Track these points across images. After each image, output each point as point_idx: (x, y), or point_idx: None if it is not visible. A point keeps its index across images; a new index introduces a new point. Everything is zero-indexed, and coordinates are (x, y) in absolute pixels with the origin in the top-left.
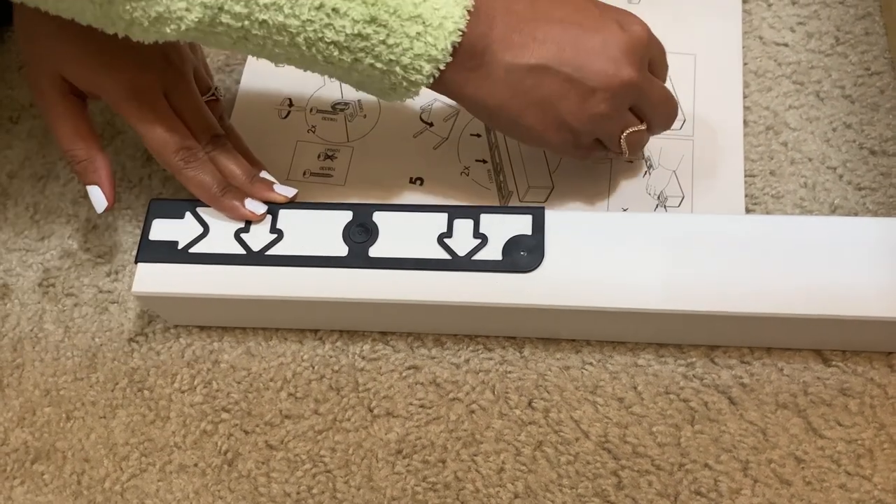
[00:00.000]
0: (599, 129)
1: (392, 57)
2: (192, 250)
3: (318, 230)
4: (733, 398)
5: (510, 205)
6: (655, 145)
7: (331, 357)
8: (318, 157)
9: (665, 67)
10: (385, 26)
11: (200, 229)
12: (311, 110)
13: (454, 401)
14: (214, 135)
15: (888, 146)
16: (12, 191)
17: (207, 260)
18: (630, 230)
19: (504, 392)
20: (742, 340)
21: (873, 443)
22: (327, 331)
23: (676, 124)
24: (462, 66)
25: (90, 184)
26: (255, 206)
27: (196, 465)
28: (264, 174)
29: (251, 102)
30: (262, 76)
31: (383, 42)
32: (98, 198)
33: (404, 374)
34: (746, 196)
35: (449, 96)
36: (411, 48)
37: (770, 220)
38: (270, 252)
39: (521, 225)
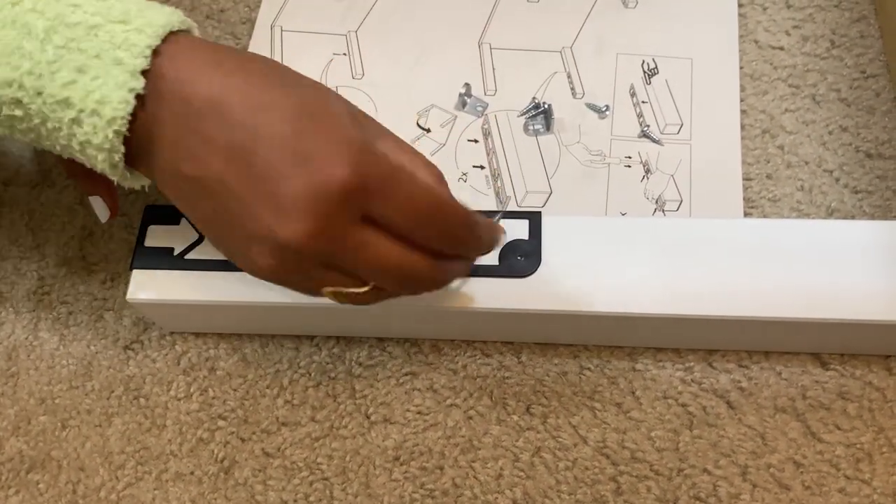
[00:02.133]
0: (280, 283)
1: (62, 141)
2: (187, 257)
3: None
4: (732, 402)
5: (506, 209)
6: (653, 150)
7: (327, 364)
8: None
9: (419, 223)
10: (35, 111)
11: (196, 235)
12: None
13: (452, 407)
14: None
15: (884, 149)
16: (7, 198)
17: (203, 266)
18: (628, 234)
19: (502, 398)
20: (740, 344)
21: (872, 446)
22: (324, 337)
23: (673, 129)
24: (136, 157)
25: (91, 194)
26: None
27: (192, 473)
28: None
29: None
30: None
31: (43, 125)
32: (101, 208)
33: (401, 381)
34: (744, 200)
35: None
36: (74, 134)
37: (768, 224)
38: None
39: (518, 229)
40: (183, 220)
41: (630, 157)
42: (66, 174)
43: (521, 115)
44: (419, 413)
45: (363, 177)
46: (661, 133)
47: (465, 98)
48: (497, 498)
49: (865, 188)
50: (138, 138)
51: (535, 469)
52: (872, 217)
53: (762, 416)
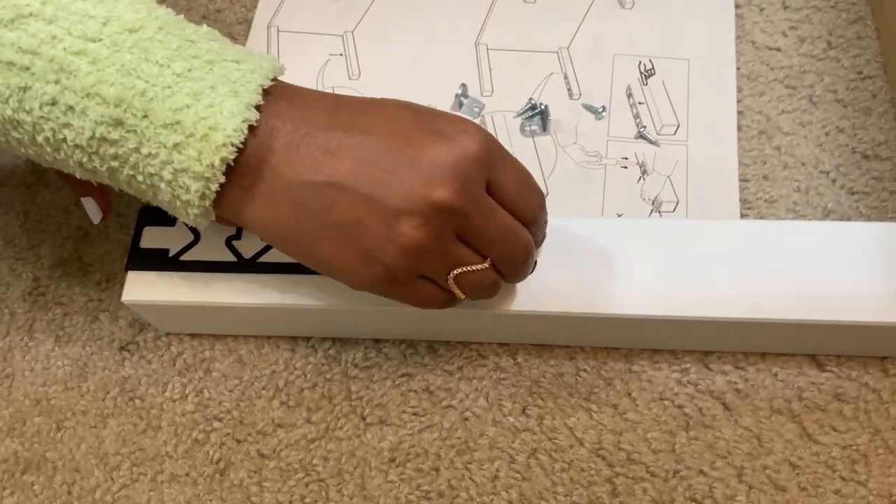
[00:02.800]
0: (417, 264)
1: (151, 170)
2: (183, 258)
3: None
4: (728, 404)
5: None
6: (650, 151)
7: (323, 365)
8: None
9: (521, 192)
10: (134, 132)
11: (191, 237)
12: None
13: (447, 408)
14: None
15: (881, 150)
16: (2, 199)
17: (199, 267)
18: (624, 236)
19: (498, 399)
20: (736, 346)
21: (868, 448)
22: (319, 338)
23: (670, 130)
24: (237, 185)
25: (84, 195)
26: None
27: (188, 474)
28: None
29: None
30: None
31: (137, 150)
32: (93, 209)
33: (397, 382)
34: (740, 200)
35: (233, 220)
36: (171, 161)
37: (764, 225)
38: (262, 259)
39: None
40: (178, 222)
41: (626, 158)
42: (58, 176)
43: (518, 115)
44: (415, 414)
45: (487, 148)
46: (658, 134)
47: (462, 99)
48: (493, 499)
49: (862, 189)
50: (242, 166)
51: (531, 471)
52: (869, 218)
53: (758, 418)
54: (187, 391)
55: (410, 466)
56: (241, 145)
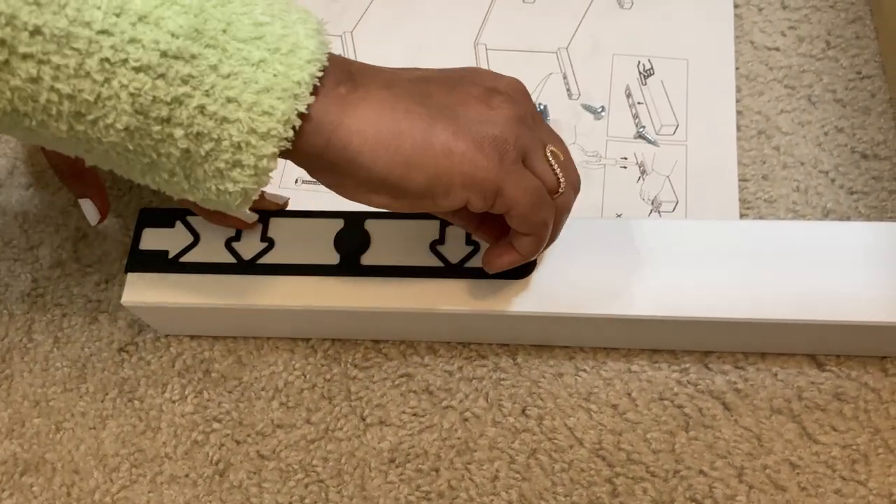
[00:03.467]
0: (521, 134)
1: (230, 93)
2: (182, 259)
3: (310, 238)
4: (728, 404)
5: None
6: (649, 151)
7: (323, 366)
8: None
9: (569, 162)
10: (214, 47)
11: (191, 238)
12: None
13: (447, 409)
14: None
15: (879, 150)
16: (1, 200)
17: (198, 269)
18: (624, 236)
19: (497, 399)
20: (736, 346)
21: (868, 448)
22: (319, 339)
23: (669, 130)
24: (333, 95)
25: (81, 197)
26: (246, 215)
27: (187, 475)
28: None
29: None
30: None
31: (215, 69)
32: (90, 211)
33: (397, 383)
34: (739, 200)
35: (324, 140)
36: (254, 80)
37: (764, 226)
38: (261, 261)
39: None
40: (178, 223)
41: (626, 158)
42: (56, 177)
43: None
44: (415, 415)
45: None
46: (657, 134)
47: None
48: (493, 500)
49: (861, 189)
50: (333, 77)
51: (530, 471)
52: (868, 218)
53: (758, 418)
54: (186, 392)
55: (410, 467)
56: (326, 62)
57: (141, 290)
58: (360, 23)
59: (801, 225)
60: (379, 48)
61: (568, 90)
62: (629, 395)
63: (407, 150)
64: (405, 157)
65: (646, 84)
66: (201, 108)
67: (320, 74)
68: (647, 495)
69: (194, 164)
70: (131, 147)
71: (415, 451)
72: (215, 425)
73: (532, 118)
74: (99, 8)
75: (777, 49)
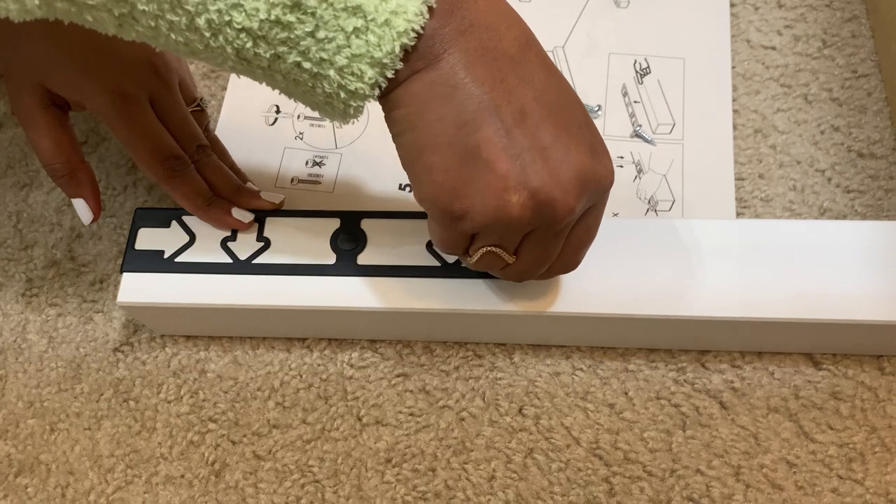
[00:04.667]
0: (488, 230)
1: (323, 55)
2: (178, 259)
3: (306, 238)
4: (724, 403)
5: None
6: (646, 149)
7: (319, 365)
8: (307, 163)
9: (584, 245)
10: (312, 15)
11: (187, 238)
12: (298, 117)
13: (444, 408)
14: (200, 145)
15: (876, 149)
16: None
17: (194, 269)
18: (620, 235)
19: (494, 399)
20: (733, 345)
21: (864, 446)
22: (315, 339)
23: (666, 128)
24: (409, 68)
25: (74, 197)
26: (241, 215)
27: (183, 476)
28: (249, 185)
29: (238, 109)
30: (249, 82)
31: (311, 35)
32: (83, 211)
33: (393, 382)
34: (736, 199)
35: (401, 114)
36: (347, 45)
37: (760, 224)
38: (257, 261)
39: None
40: (174, 223)
41: (622, 157)
42: (50, 177)
43: None
44: (411, 415)
45: (609, 185)
46: (654, 133)
47: None
48: (490, 500)
49: (857, 188)
50: (416, 53)
51: (527, 470)
52: (864, 217)
53: (755, 417)
54: (182, 392)
55: (407, 467)
56: (421, 30)
57: (136, 290)
58: None
59: (798, 224)
60: None
61: None
62: (626, 394)
63: (412, 137)
64: (413, 140)
65: (642, 83)
66: (297, 64)
67: (412, 44)
68: (644, 494)
69: (294, 92)
70: (240, 70)
71: (411, 450)
72: (211, 426)
73: (548, 233)
74: None
75: (773, 48)
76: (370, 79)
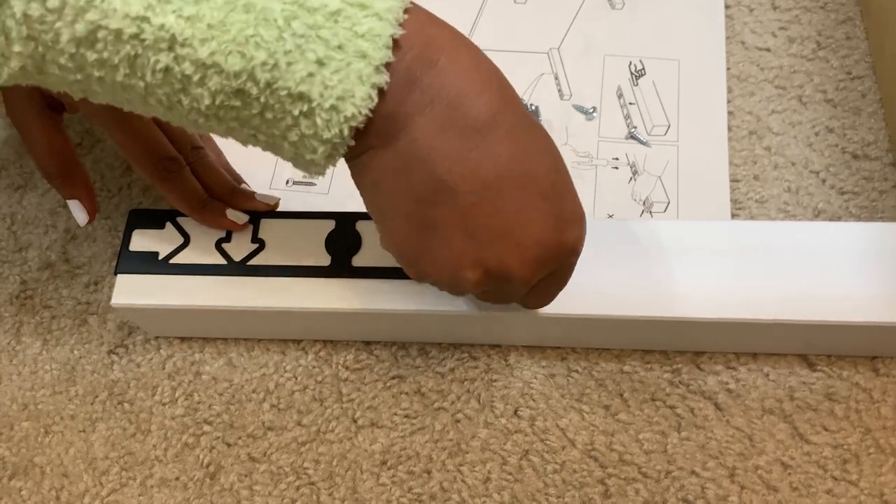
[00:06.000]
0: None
1: (275, 131)
2: (172, 261)
3: (301, 240)
4: (719, 404)
5: None
6: (641, 151)
7: (314, 367)
8: None
9: (551, 296)
10: (257, 100)
11: (181, 239)
12: None
13: (439, 410)
14: (194, 146)
15: (870, 150)
16: None
17: (188, 271)
18: (615, 237)
19: (489, 401)
20: (728, 346)
21: (859, 447)
22: (310, 341)
23: (661, 130)
24: (363, 144)
25: (70, 198)
26: (236, 216)
27: (178, 478)
28: (244, 186)
29: None
30: None
31: (259, 115)
32: (79, 212)
33: (388, 384)
34: (731, 201)
35: (361, 180)
36: (296, 126)
37: (755, 226)
38: (252, 262)
39: None
40: (168, 224)
41: (617, 159)
42: (44, 178)
43: None
44: (406, 416)
45: (579, 250)
46: (649, 134)
47: None
48: (485, 501)
49: (852, 189)
50: (369, 131)
51: (523, 472)
52: (859, 218)
53: (750, 418)
54: (177, 395)
55: (402, 469)
56: (370, 113)
57: (131, 292)
58: None
59: (792, 225)
60: None
61: (559, 90)
62: (621, 395)
63: (374, 204)
64: (374, 208)
65: (637, 84)
66: (252, 136)
67: (363, 126)
68: (640, 496)
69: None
70: (202, 131)
71: (406, 452)
72: (206, 428)
73: (508, 289)
74: (147, 67)
75: (768, 50)
76: (323, 153)
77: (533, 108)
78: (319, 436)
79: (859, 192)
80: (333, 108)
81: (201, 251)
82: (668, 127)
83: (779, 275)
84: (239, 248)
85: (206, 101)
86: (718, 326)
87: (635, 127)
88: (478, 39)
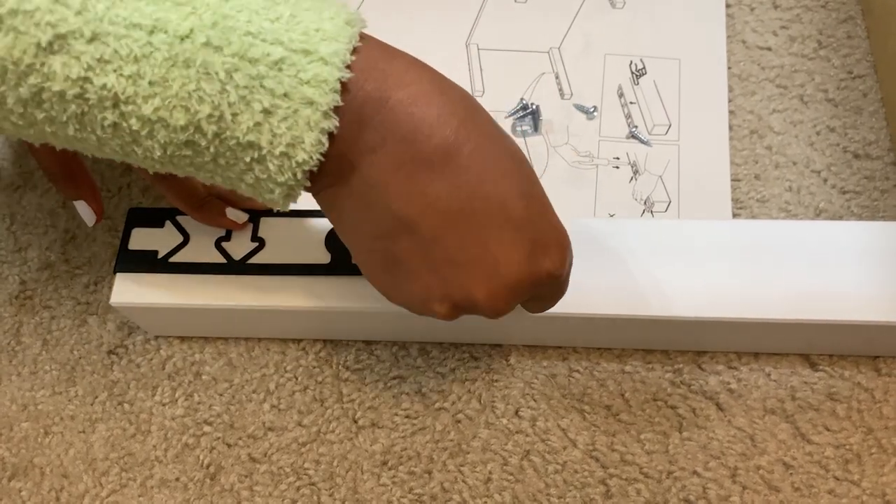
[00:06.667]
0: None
1: (231, 175)
2: (172, 260)
3: (301, 238)
4: (721, 404)
5: None
6: (642, 150)
7: (314, 367)
8: None
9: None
10: (207, 150)
11: (181, 238)
12: None
13: (440, 410)
14: None
15: (871, 149)
16: None
17: (188, 269)
18: (616, 236)
19: (490, 401)
20: (729, 346)
21: (861, 447)
22: (310, 340)
23: (661, 129)
24: (319, 183)
25: (75, 199)
26: (235, 215)
27: (178, 479)
28: None
29: None
30: None
31: (213, 161)
32: (86, 212)
33: (389, 384)
34: (732, 200)
35: (325, 213)
36: (250, 170)
37: (756, 225)
38: (252, 261)
39: None
40: (167, 223)
41: (618, 158)
42: (47, 178)
43: (509, 116)
44: (407, 417)
45: (562, 275)
46: (650, 134)
47: None
48: (486, 502)
49: (853, 188)
50: (323, 172)
51: (524, 472)
52: (860, 217)
53: (751, 418)
54: (177, 395)
55: (403, 469)
56: (321, 157)
57: (130, 291)
58: None
59: (794, 224)
60: None
61: (560, 90)
62: (623, 395)
63: (347, 237)
64: (347, 240)
65: (638, 84)
66: (210, 177)
67: (315, 168)
68: (641, 496)
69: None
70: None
71: (407, 453)
72: (206, 428)
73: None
74: (96, 123)
75: (769, 49)
76: (280, 193)
77: (534, 107)
78: (320, 436)
79: (861, 192)
80: (284, 154)
81: (201, 250)
82: (669, 126)
83: (780, 274)
84: (239, 246)
85: (158, 153)
86: (720, 326)
87: (636, 126)
88: (478, 39)
